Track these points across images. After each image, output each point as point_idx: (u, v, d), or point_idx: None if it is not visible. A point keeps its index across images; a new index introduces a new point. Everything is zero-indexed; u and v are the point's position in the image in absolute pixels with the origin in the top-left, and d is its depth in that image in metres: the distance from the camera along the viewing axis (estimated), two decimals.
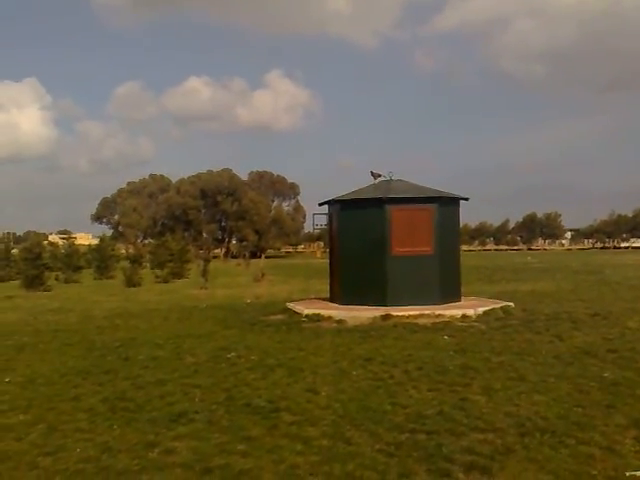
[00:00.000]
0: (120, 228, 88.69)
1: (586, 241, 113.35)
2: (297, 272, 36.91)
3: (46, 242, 44.57)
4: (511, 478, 4.48)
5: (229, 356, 9.14)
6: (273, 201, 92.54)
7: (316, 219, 15.83)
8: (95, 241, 49.77)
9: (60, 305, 18.46)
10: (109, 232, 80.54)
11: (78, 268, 32.61)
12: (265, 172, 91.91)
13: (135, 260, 35.04)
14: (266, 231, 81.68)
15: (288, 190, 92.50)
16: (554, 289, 19.83)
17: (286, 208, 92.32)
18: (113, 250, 37.36)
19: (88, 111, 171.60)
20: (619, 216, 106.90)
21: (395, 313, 12.27)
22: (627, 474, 4.48)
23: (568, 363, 8.13)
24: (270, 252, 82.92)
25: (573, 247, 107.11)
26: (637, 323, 11.51)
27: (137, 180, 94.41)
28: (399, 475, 4.57)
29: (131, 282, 26.70)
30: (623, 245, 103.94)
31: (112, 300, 19.75)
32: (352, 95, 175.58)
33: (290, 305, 14.45)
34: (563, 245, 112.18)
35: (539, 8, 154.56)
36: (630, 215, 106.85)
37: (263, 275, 29.03)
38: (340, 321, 12.24)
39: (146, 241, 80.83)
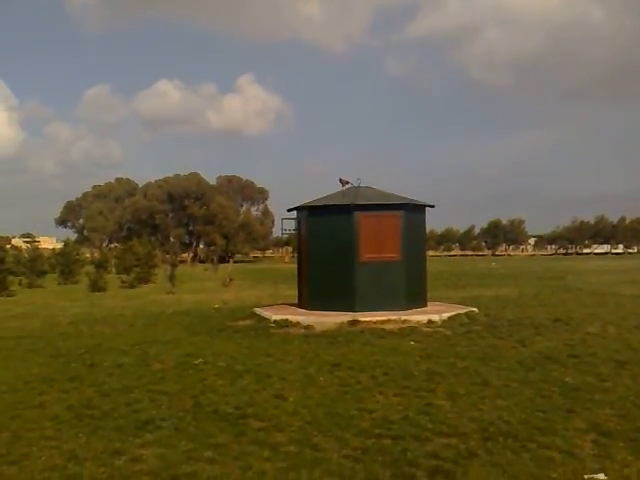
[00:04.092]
0: (85, 232, 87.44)
1: (549, 247, 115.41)
2: (265, 277, 36.88)
3: (9, 246, 43.74)
4: None
5: (196, 362, 9.11)
6: (242, 206, 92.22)
7: (285, 224, 15.89)
8: (59, 245, 49.02)
9: (24, 310, 18.15)
10: (74, 236, 79.52)
11: (42, 273, 32.08)
12: (234, 177, 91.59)
13: (100, 265, 34.59)
14: (234, 236, 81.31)
15: (257, 195, 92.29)
16: (517, 295, 20.20)
17: (255, 213, 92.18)
18: (78, 254, 36.79)
19: (57, 113, 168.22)
20: (581, 223, 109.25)
21: (362, 319, 12.36)
22: (585, 477, 4.61)
23: (530, 368, 8.31)
24: (238, 257, 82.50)
25: (536, 253, 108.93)
26: (598, 329, 11.80)
27: (103, 184, 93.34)
28: None
29: (96, 287, 26.39)
30: (585, 251, 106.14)
31: (77, 306, 19.48)
32: (322, 101, 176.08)
33: (258, 311, 14.44)
34: (525, 251, 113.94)
35: (509, 17, 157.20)
36: (592, 222, 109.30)
37: (231, 280, 28.95)
38: (308, 327, 12.28)
39: (112, 245, 79.84)
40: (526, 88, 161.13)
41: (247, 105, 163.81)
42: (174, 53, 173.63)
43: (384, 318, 12.42)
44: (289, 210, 15.33)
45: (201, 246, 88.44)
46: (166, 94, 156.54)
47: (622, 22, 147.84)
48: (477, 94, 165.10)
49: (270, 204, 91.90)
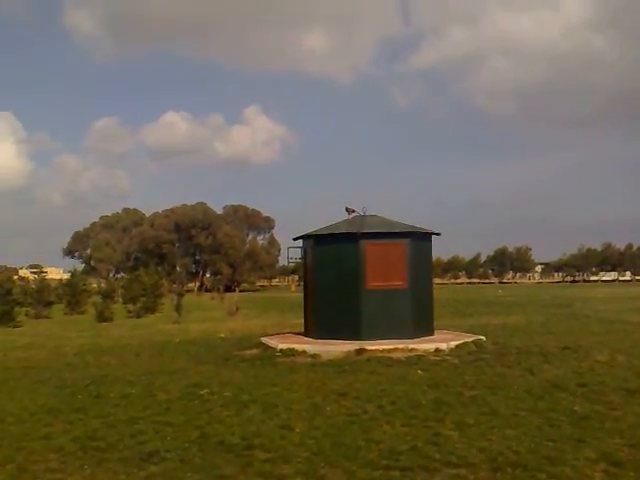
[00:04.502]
0: (92, 262, 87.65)
1: (556, 274, 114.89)
2: (272, 306, 36.78)
3: (16, 277, 43.92)
4: None
5: (202, 393, 9.07)
6: (248, 235, 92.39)
7: (291, 252, 15.89)
8: (66, 276, 49.14)
9: (30, 341, 18.14)
10: (81, 266, 79.68)
11: (49, 303, 32.10)
12: (240, 206, 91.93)
13: (107, 295, 34.63)
14: (240, 264, 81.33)
15: (263, 224, 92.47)
16: (525, 322, 20.06)
17: (261, 242, 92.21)
18: (84, 285, 36.88)
19: (65, 145, 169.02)
20: (588, 250, 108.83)
21: (369, 347, 12.30)
22: None
23: (539, 397, 8.23)
24: (245, 286, 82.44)
25: (544, 280, 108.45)
26: (606, 357, 11.69)
27: (110, 214, 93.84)
28: None
29: (103, 317, 26.37)
30: (593, 279, 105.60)
31: (83, 336, 19.46)
32: (328, 131, 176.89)
33: (264, 340, 14.40)
34: (532, 278, 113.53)
35: (511, 48, 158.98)
36: (599, 249, 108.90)
37: (237, 309, 28.89)
38: (314, 355, 12.23)
39: (119, 275, 79.97)
40: (530, 116, 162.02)
41: (253, 135, 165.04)
42: (181, 85, 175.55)
43: (391, 347, 12.35)
44: (295, 239, 15.38)
45: (207, 275, 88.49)
46: (173, 125, 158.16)
47: (622, 50, 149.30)
48: (481, 122, 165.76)
49: (276, 233, 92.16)
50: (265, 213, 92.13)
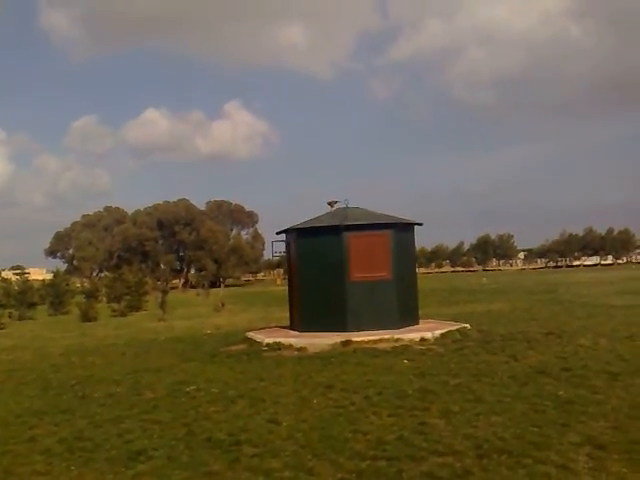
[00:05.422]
0: (75, 262, 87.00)
1: (539, 260, 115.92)
2: (257, 300, 36.77)
3: None
4: None
5: (189, 390, 9.05)
6: (232, 230, 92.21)
7: (275, 247, 15.87)
8: (49, 276, 48.71)
9: (14, 343, 17.99)
10: (63, 266, 79.05)
11: (32, 304, 31.87)
12: (223, 201, 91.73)
13: (91, 294, 34.44)
14: (225, 260, 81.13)
15: (246, 219, 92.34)
16: (509, 309, 20.24)
17: (245, 236, 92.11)
18: (68, 285, 36.64)
19: (45, 145, 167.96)
20: (570, 235, 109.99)
21: (355, 338, 12.32)
22: None
23: (523, 383, 8.30)
24: (230, 281, 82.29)
25: (527, 267, 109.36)
26: (590, 341, 11.81)
27: (92, 213, 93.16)
28: None
29: (87, 317, 26.20)
30: (575, 263, 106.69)
31: (68, 336, 19.32)
32: (309, 125, 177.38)
33: (251, 334, 14.38)
34: (515, 265, 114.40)
35: (489, 36, 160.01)
36: (580, 234, 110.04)
37: (223, 305, 28.86)
38: (301, 349, 12.23)
39: (102, 274, 79.42)
40: (510, 105, 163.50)
41: (234, 130, 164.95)
42: (161, 82, 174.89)
43: (377, 337, 12.38)
44: (278, 233, 15.35)
45: (192, 271, 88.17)
46: (153, 122, 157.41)
47: (599, 38, 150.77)
48: (461, 113, 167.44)
49: (260, 227, 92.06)
50: (248, 208, 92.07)
